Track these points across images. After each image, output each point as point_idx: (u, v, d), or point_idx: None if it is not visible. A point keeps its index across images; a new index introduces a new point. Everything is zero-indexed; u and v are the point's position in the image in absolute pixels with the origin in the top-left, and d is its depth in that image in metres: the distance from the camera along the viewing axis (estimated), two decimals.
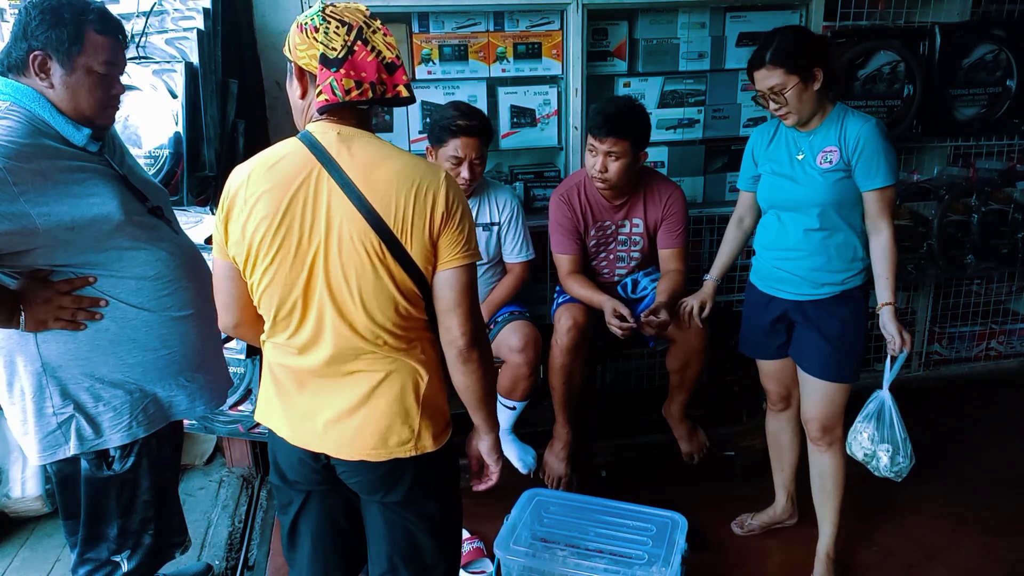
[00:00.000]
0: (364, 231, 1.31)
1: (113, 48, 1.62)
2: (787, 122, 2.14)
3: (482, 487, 1.72)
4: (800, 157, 2.17)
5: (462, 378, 1.45)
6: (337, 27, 1.31)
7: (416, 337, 1.43)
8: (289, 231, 1.32)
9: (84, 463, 1.74)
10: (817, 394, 2.25)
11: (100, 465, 1.73)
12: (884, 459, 2.10)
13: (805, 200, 2.16)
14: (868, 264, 2.17)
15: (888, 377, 2.12)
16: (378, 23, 1.36)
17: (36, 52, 1.54)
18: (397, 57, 1.35)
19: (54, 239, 1.53)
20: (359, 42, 1.32)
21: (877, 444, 2.12)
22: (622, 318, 2.42)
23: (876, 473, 2.15)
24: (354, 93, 1.31)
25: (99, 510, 1.77)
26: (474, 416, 1.56)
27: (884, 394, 2.13)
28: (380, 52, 1.33)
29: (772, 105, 2.12)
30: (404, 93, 1.36)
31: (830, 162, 2.11)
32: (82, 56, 1.56)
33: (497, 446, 1.62)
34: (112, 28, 1.62)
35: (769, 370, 2.45)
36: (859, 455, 2.17)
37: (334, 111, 1.35)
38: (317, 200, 1.32)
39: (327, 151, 1.33)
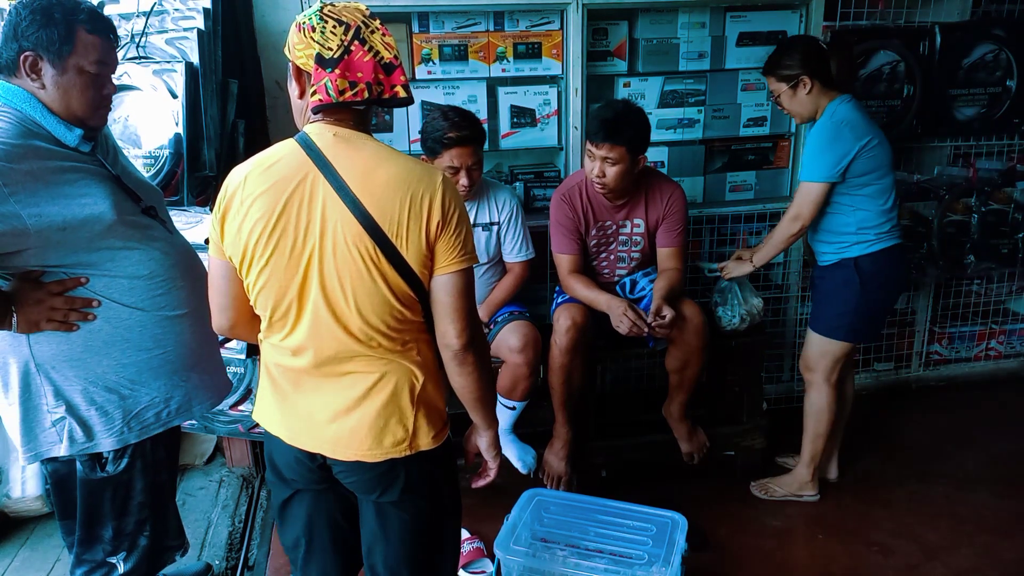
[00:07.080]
0: (358, 234, 1.31)
1: (104, 48, 1.61)
2: (795, 120, 2.49)
3: (480, 483, 1.73)
4: None
5: (459, 379, 1.46)
6: (334, 27, 1.30)
7: (412, 339, 1.43)
8: (284, 233, 1.32)
9: (78, 465, 1.74)
10: (806, 339, 2.65)
11: (94, 467, 1.73)
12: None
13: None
14: (860, 239, 2.44)
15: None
16: (377, 23, 1.35)
17: (27, 52, 1.54)
18: (396, 57, 1.34)
19: (45, 240, 1.52)
20: (356, 42, 1.31)
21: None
22: (636, 313, 2.40)
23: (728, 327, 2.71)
24: (348, 94, 1.30)
25: (94, 511, 1.77)
26: (472, 415, 1.57)
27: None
28: (378, 52, 1.32)
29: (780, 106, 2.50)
30: (402, 94, 1.35)
31: None
32: (73, 56, 1.56)
33: (496, 443, 1.63)
34: (103, 27, 1.61)
35: None
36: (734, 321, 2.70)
37: (331, 111, 1.35)
38: (312, 203, 1.32)
39: (323, 153, 1.32)
